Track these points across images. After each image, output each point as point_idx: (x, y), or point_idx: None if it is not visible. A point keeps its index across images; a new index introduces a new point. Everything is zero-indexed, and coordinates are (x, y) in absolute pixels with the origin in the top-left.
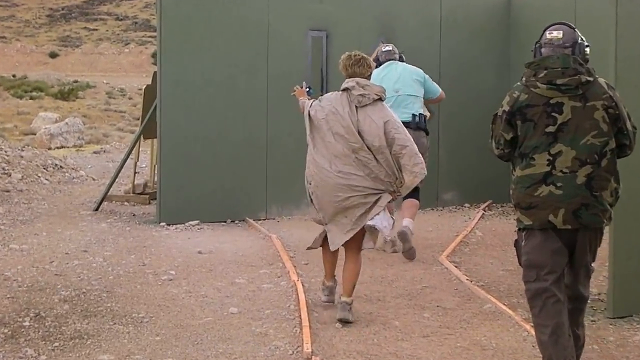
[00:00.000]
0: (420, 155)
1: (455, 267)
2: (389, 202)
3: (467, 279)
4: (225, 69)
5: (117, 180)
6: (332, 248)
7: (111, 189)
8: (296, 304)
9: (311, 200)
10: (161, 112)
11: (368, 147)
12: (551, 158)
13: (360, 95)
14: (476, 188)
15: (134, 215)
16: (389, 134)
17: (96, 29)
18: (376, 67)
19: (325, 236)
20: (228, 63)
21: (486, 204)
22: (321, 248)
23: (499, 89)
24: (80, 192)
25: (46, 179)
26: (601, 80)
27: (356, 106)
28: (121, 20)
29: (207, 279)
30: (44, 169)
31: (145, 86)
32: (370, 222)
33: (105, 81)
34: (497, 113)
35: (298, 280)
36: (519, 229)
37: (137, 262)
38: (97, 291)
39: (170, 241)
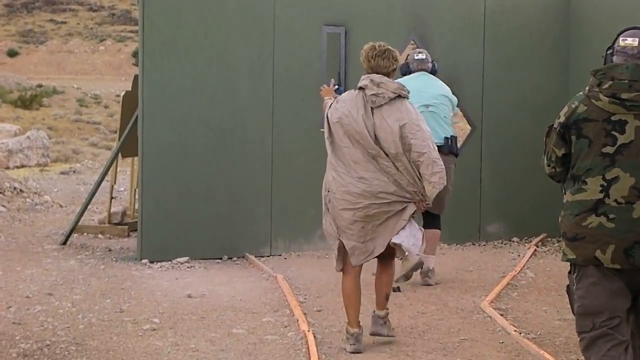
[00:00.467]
0: (441, 162)
1: (501, 315)
2: (412, 214)
3: (515, 331)
4: (221, 71)
5: (89, 207)
6: (354, 262)
7: (82, 218)
8: None
9: (327, 209)
10: (143, 124)
11: (386, 154)
12: (605, 184)
13: (373, 95)
14: (527, 219)
15: (109, 250)
16: (405, 139)
17: (65, 22)
18: (403, 74)
19: (344, 257)
20: (225, 64)
21: (539, 238)
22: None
23: (554, 96)
24: (44, 222)
25: (2, 206)
26: None
27: (372, 107)
28: (95, 11)
29: (199, 329)
30: (0, 193)
31: (124, 92)
32: (395, 240)
33: (75, 86)
34: (552, 125)
35: (309, 331)
36: (569, 271)
37: (113, 308)
38: (64, 343)
39: (153, 282)
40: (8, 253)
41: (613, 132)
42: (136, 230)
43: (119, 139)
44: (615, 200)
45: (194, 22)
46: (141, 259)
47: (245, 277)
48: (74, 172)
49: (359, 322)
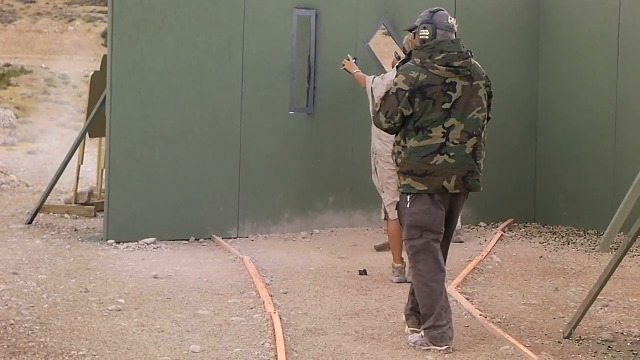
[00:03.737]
0: None
1: (467, 299)
2: None
3: (480, 315)
4: (191, 53)
5: (56, 187)
6: (391, 216)
7: (48, 198)
8: (272, 342)
9: (375, 168)
10: (111, 105)
11: None
12: (445, 131)
13: None
14: (494, 204)
15: (75, 230)
16: None
17: (34, 1)
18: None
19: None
20: (195, 46)
21: (506, 223)
22: (391, 225)
23: (523, 81)
24: (10, 201)
25: None
26: (476, 62)
27: None
28: None
29: (164, 310)
30: None
31: (92, 73)
32: None
33: (43, 65)
34: (388, 91)
35: (275, 313)
36: (405, 194)
37: (79, 288)
38: (28, 323)
39: (119, 263)
40: None
41: (448, 92)
42: (102, 210)
43: (87, 119)
44: (453, 142)
45: (164, 3)
46: (107, 240)
47: (212, 259)
48: (41, 151)
49: (402, 257)
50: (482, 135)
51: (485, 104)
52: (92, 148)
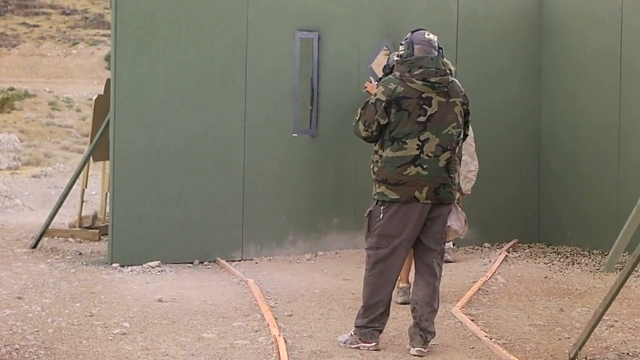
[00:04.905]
0: (476, 161)
1: (472, 321)
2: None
3: (485, 336)
4: (194, 76)
5: (60, 210)
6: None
7: (53, 222)
8: None
9: None
10: (115, 128)
11: None
12: (420, 143)
13: None
14: (498, 224)
15: (80, 254)
16: None
17: (37, 25)
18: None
19: None
20: (198, 69)
21: (510, 244)
22: None
23: (526, 103)
24: (14, 225)
25: None
26: (455, 80)
27: None
28: (68, 14)
29: (169, 333)
30: None
31: (96, 96)
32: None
33: (47, 89)
34: (368, 101)
35: (280, 336)
36: (378, 202)
37: (83, 312)
38: (33, 347)
39: (124, 286)
40: None
41: (424, 106)
42: (107, 234)
43: (91, 143)
44: (427, 155)
45: (166, 27)
46: (112, 263)
47: (217, 282)
48: (45, 175)
49: (408, 279)
50: (457, 150)
51: (461, 121)
52: (97, 171)
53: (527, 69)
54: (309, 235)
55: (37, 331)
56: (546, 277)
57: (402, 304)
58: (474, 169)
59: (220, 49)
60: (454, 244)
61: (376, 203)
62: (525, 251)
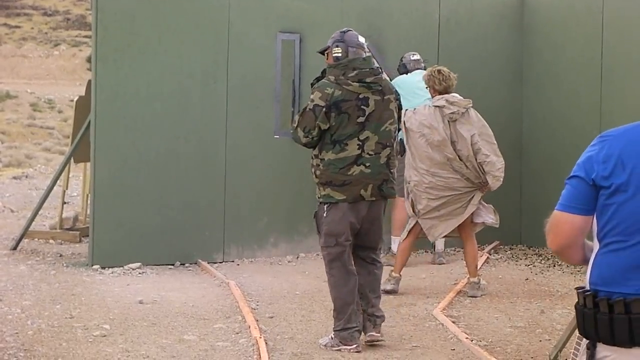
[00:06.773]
0: (502, 159)
1: (453, 322)
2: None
3: (466, 338)
4: (175, 78)
5: (41, 212)
6: (431, 239)
7: (33, 224)
8: None
9: (407, 195)
10: (95, 130)
11: (459, 157)
12: (361, 143)
13: (451, 113)
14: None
15: (60, 255)
16: (475, 145)
17: (19, 27)
18: (402, 73)
19: (411, 230)
20: (179, 71)
21: (492, 245)
22: (404, 242)
23: (507, 105)
24: None
25: None
26: (387, 77)
27: (448, 121)
28: (50, 15)
29: (150, 335)
30: None
31: (77, 97)
32: (477, 220)
33: (29, 90)
34: (306, 107)
35: (261, 338)
36: (323, 203)
37: (64, 314)
38: (12, 349)
39: (104, 288)
40: None
41: (362, 107)
42: (88, 235)
43: (72, 144)
44: (368, 153)
45: (148, 28)
46: (92, 265)
47: (198, 284)
48: (26, 177)
49: (400, 272)
50: (395, 145)
51: (396, 117)
52: (78, 173)
53: (507, 71)
54: (291, 237)
55: (17, 333)
56: (527, 279)
57: (387, 292)
58: (500, 166)
59: (202, 50)
60: (444, 247)
61: (320, 204)
62: (507, 253)
